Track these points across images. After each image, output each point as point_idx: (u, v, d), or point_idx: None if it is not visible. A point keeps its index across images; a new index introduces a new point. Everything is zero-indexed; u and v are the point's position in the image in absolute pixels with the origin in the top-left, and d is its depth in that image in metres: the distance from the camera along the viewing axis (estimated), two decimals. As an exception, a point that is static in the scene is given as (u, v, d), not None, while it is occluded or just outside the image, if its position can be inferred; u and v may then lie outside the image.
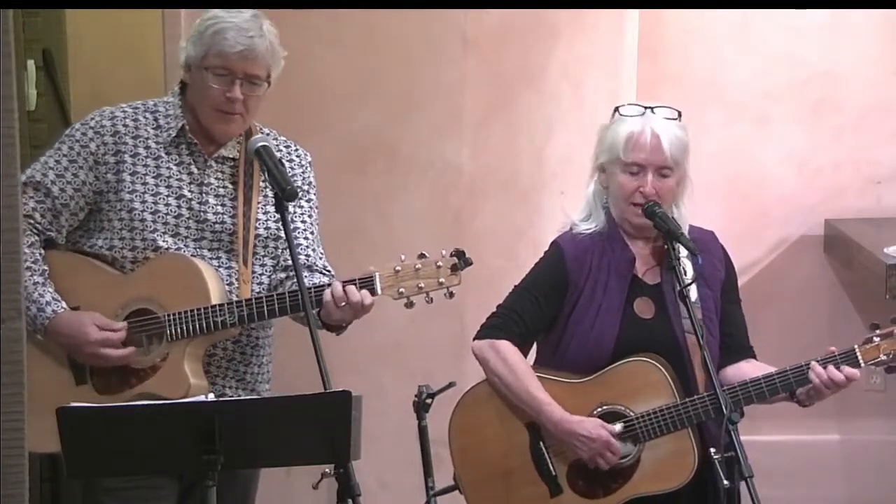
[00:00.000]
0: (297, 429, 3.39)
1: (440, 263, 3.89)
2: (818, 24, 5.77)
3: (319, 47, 5.21)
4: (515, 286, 4.17)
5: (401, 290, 3.88)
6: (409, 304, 3.91)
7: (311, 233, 4.07)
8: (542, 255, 4.20)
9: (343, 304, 3.84)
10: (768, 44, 5.80)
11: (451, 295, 3.91)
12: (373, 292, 3.87)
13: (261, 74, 3.92)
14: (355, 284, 3.86)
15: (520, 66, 5.30)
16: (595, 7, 5.33)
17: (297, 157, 4.10)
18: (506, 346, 4.09)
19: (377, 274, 3.88)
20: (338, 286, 3.85)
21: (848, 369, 3.97)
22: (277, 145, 4.03)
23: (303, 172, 4.08)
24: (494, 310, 4.16)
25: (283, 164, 3.90)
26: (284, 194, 3.71)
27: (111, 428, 3.34)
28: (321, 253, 4.09)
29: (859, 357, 3.98)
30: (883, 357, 3.98)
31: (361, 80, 5.24)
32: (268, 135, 4.06)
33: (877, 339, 3.98)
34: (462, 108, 5.26)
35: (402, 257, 3.90)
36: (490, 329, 4.13)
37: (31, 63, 5.27)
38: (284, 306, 3.87)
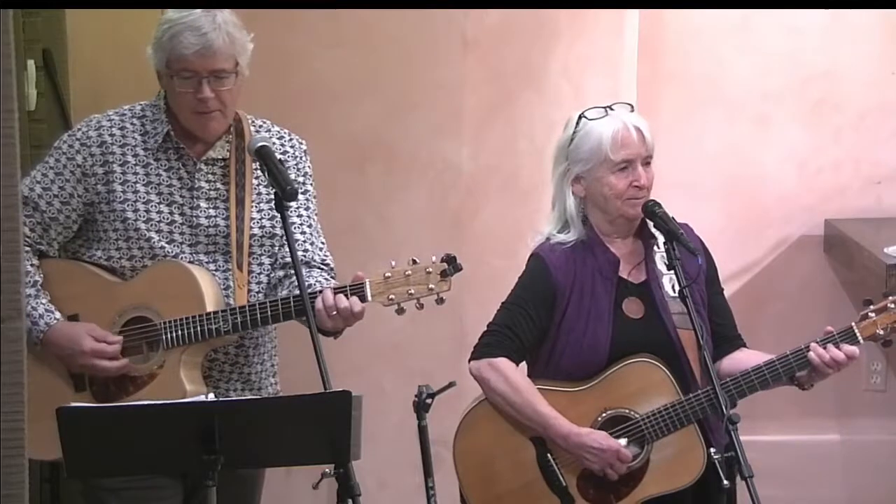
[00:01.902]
0: (297, 429, 3.38)
1: (430, 269, 3.86)
2: (818, 24, 5.76)
3: (319, 47, 5.21)
4: (503, 303, 4.13)
5: (391, 296, 3.86)
6: (400, 311, 3.88)
7: (309, 226, 4.04)
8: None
9: (333, 312, 3.82)
10: (768, 44, 5.79)
11: (442, 301, 3.89)
12: (363, 299, 3.85)
13: (225, 67, 3.85)
14: (345, 292, 3.85)
15: (520, 66, 5.30)
16: (595, 7, 5.32)
17: (291, 147, 4.04)
18: (505, 364, 4.06)
19: (367, 281, 3.86)
20: (328, 295, 3.82)
21: (848, 347, 3.98)
22: (270, 137, 3.99)
23: (297, 164, 4.03)
24: (486, 328, 4.12)
25: (282, 164, 3.89)
26: (285, 194, 3.68)
27: (111, 428, 3.33)
28: (321, 245, 4.05)
29: (857, 334, 3.99)
30: (880, 332, 4.00)
31: (360, 80, 5.24)
32: (261, 126, 4.03)
33: (872, 315, 4.01)
34: (462, 108, 5.26)
35: (393, 263, 3.88)
36: (485, 348, 4.09)
37: (31, 63, 5.26)
38: (278, 313, 3.85)
